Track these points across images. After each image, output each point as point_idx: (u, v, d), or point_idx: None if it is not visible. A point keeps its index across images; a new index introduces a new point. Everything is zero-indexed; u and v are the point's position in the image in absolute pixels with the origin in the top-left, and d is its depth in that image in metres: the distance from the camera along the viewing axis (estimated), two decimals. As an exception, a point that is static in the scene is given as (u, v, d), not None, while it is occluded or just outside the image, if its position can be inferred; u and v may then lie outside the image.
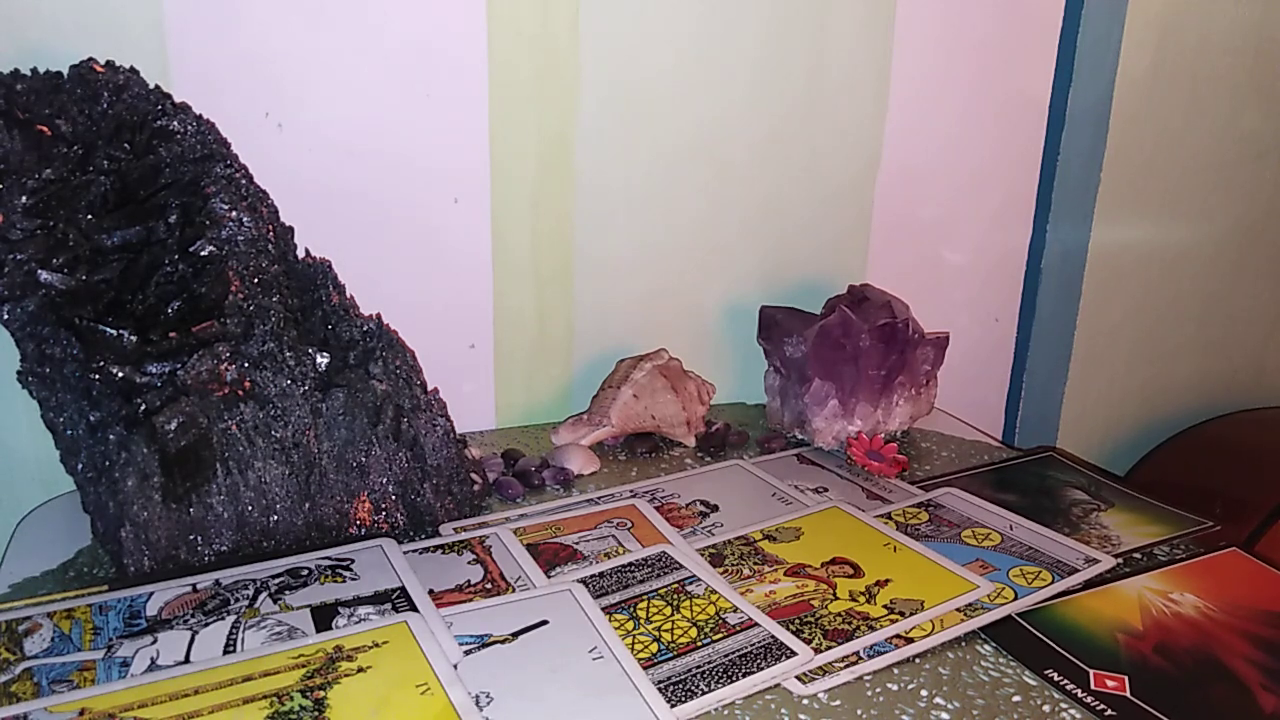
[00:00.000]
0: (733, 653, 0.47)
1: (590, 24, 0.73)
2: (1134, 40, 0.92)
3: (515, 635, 0.48)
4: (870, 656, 0.49)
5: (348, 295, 0.63)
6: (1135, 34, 0.92)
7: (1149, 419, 1.10)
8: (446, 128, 0.72)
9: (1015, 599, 0.54)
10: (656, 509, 0.63)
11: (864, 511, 0.63)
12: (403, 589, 0.52)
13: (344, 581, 0.53)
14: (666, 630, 0.49)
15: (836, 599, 0.53)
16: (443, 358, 0.72)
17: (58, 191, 0.56)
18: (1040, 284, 0.97)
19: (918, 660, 0.49)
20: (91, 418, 0.54)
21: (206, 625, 0.48)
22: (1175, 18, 0.94)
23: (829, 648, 0.49)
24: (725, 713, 0.45)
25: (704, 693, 0.45)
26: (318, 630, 0.48)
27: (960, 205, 0.92)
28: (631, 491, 0.67)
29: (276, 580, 0.53)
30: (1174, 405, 1.10)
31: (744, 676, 0.46)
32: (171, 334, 0.54)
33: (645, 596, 0.52)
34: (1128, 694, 0.47)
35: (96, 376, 0.53)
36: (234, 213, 0.57)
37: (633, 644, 0.48)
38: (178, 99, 0.62)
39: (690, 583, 0.54)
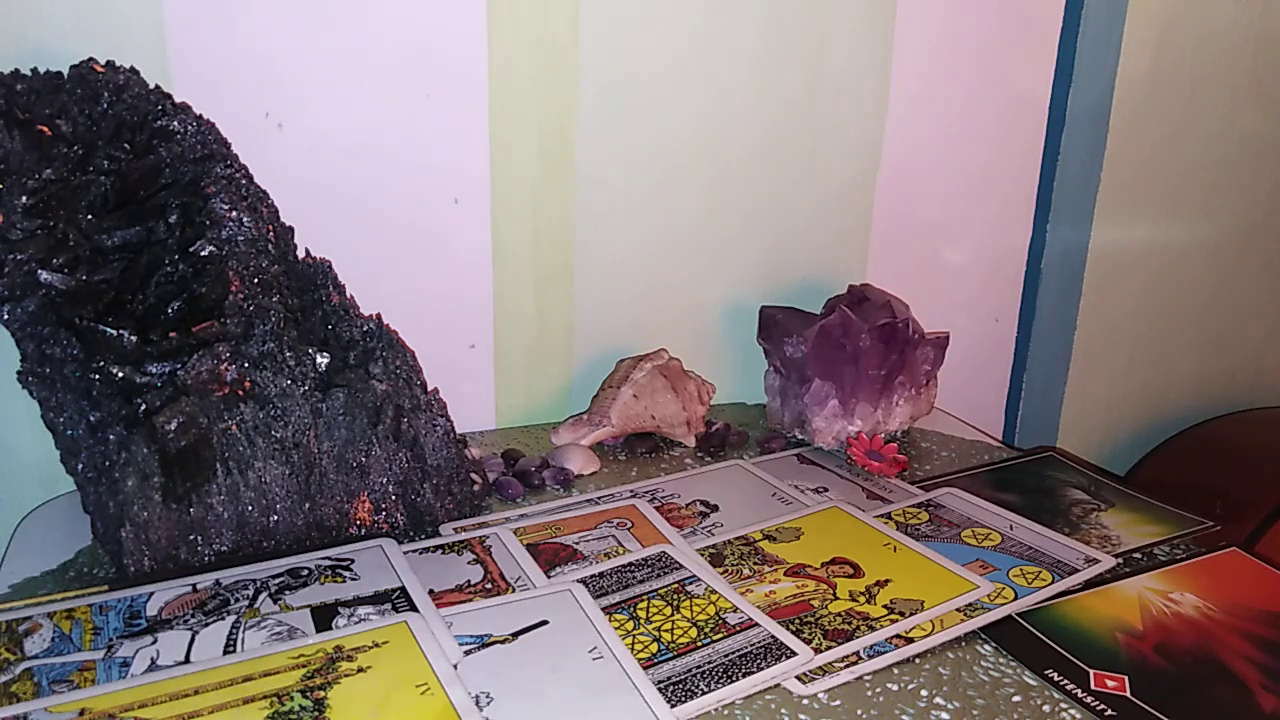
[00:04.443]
0: (733, 653, 0.47)
1: (590, 24, 0.73)
2: (1134, 40, 0.92)
3: (515, 635, 0.48)
4: (870, 656, 0.49)
5: (348, 295, 0.63)
6: (1135, 34, 0.92)
7: (1149, 419, 1.10)
8: (446, 128, 0.72)
9: (1015, 599, 0.54)
10: (656, 509, 0.63)
11: (864, 511, 0.63)
12: (403, 589, 0.52)
13: (344, 581, 0.53)
14: (666, 630, 0.49)
15: (836, 599, 0.53)
16: (443, 358, 0.72)
17: (58, 191, 0.56)
18: (1040, 284, 0.97)
19: (918, 660, 0.49)
20: (91, 418, 0.54)
21: (206, 625, 0.48)
22: (1175, 18, 0.94)
23: (829, 648, 0.49)
24: (725, 713, 0.45)
25: (704, 693, 0.45)
26: (318, 630, 0.48)
27: (960, 205, 0.92)
28: (631, 491, 0.67)
29: (276, 580, 0.53)
30: (1174, 405, 1.10)
31: (744, 676, 0.46)
32: (171, 334, 0.54)
33: (645, 596, 0.52)
34: (1128, 694, 0.47)
35: (96, 376, 0.53)
36: (234, 213, 0.57)
37: (633, 644, 0.48)
38: (178, 99, 0.62)
39: (690, 583, 0.54)
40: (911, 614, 0.52)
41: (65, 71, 0.59)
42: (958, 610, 0.53)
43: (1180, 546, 0.62)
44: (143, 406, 0.52)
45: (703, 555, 0.57)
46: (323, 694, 0.43)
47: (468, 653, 0.47)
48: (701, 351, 0.85)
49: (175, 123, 0.60)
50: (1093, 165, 0.95)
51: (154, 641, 0.47)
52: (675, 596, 0.52)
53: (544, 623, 0.49)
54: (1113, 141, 0.95)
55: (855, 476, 0.71)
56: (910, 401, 0.77)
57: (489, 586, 0.53)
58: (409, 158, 0.72)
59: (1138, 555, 0.61)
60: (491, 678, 0.45)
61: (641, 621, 0.50)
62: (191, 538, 0.54)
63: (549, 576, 0.54)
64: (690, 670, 0.46)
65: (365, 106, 0.69)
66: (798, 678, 0.47)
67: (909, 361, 0.76)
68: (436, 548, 0.57)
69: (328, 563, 0.55)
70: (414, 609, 0.50)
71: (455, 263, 0.75)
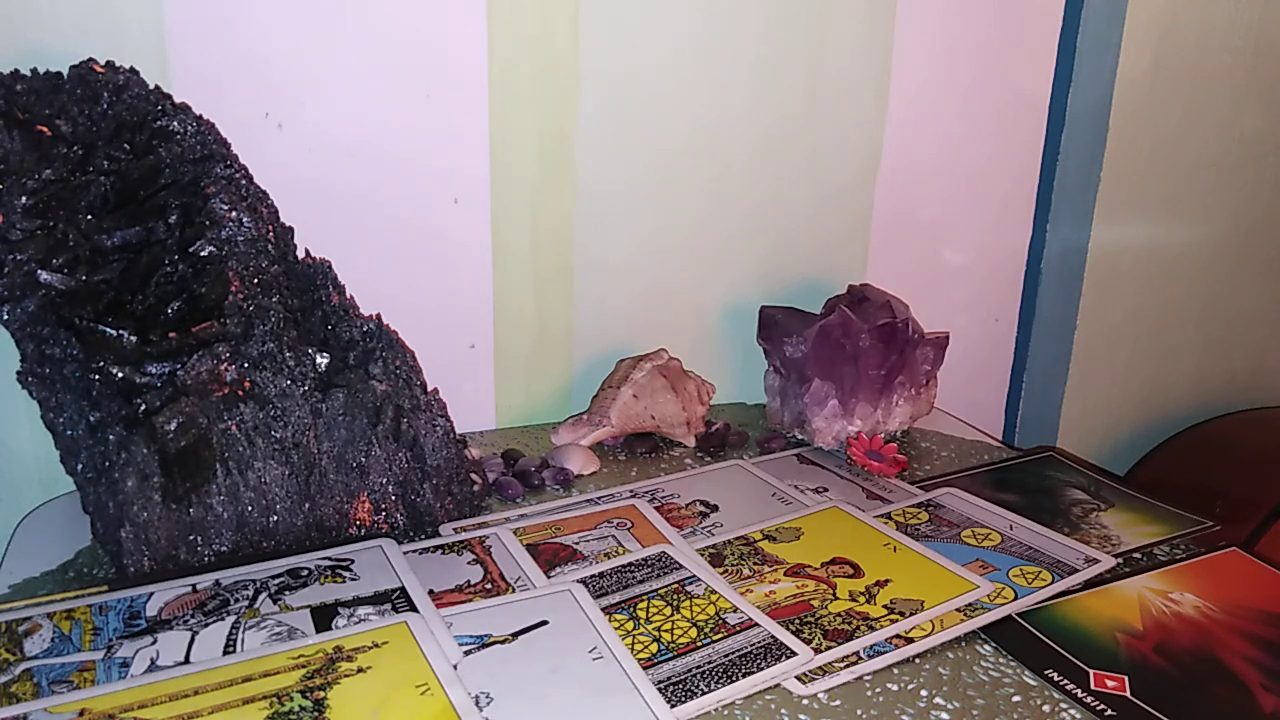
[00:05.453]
0: (733, 653, 0.47)
1: (590, 24, 0.73)
2: (1134, 40, 0.92)
3: (515, 635, 0.48)
4: (870, 656, 0.49)
5: (348, 295, 0.63)
6: (1135, 34, 0.92)
7: (1149, 419, 1.10)
8: (446, 128, 0.72)
9: (1015, 599, 0.54)
10: (656, 509, 0.63)
11: (864, 511, 0.63)
12: (403, 589, 0.52)
13: (344, 582, 0.53)
14: (666, 630, 0.49)
15: (836, 599, 0.53)
16: (443, 358, 0.72)
17: (58, 192, 0.56)
18: (1040, 284, 0.97)
19: (918, 660, 0.49)
20: (91, 418, 0.54)
21: (206, 625, 0.48)
22: (1175, 18, 0.94)
23: (829, 648, 0.49)
24: (725, 713, 0.45)
25: (704, 693, 0.45)
26: (318, 630, 0.48)
27: (960, 205, 0.92)
28: (631, 491, 0.67)
29: (276, 580, 0.53)
30: (1174, 405, 1.10)
31: (744, 676, 0.46)
32: (171, 334, 0.54)
33: (645, 596, 0.52)
34: (1128, 694, 0.47)
35: (96, 376, 0.53)
36: (234, 213, 0.57)
37: (633, 644, 0.48)
38: (178, 99, 0.62)
39: (690, 583, 0.54)
40: (911, 614, 0.52)
41: (65, 72, 0.59)
42: (958, 610, 0.53)
43: (1180, 546, 0.62)
44: (143, 407, 0.52)
45: (703, 555, 0.57)
46: (323, 694, 0.43)
47: (468, 653, 0.47)
48: (701, 351, 0.85)
49: (175, 123, 0.60)
50: (1093, 165, 0.95)
51: (154, 642, 0.47)
52: (675, 596, 0.52)
53: (544, 623, 0.49)
54: (1113, 141, 0.95)
55: (855, 476, 0.71)
56: (910, 401, 0.77)
57: (489, 586, 0.53)
58: (409, 158, 0.72)
59: (1138, 555, 0.61)
60: (491, 678, 0.45)
61: (641, 621, 0.50)
62: (191, 538, 0.54)
63: (549, 576, 0.54)
64: (690, 670, 0.46)
65: (365, 106, 0.69)
66: (798, 678, 0.47)
67: (909, 361, 0.76)
68: (436, 548, 0.57)
69: (327, 563, 0.55)
70: (414, 609, 0.50)
71: (455, 263, 0.75)
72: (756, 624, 0.50)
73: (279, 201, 0.63)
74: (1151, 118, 0.96)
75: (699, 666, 0.46)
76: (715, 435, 0.76)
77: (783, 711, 0.45)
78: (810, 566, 0.56)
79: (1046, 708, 0.46)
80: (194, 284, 0.56)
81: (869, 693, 0.47)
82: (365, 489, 0.58)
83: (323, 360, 0.57)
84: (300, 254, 0.63)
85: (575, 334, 0.80)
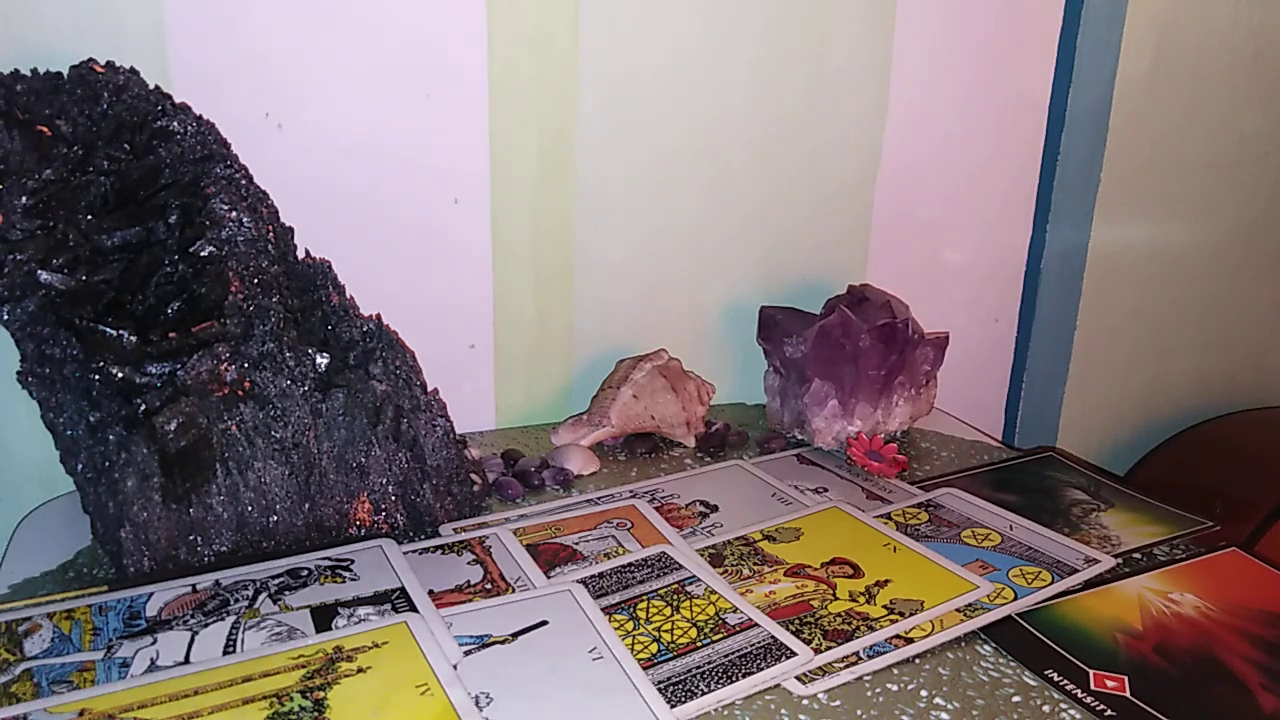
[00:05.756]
0: (733, 653, 0.47)
1: (590, 24, 0.73)
2: (1134, 40, 0.92)
3: (515, 635, 0.48)
4: (870, 657, 0.49)
5: (348, 295, 0.63)
6: (1135, 34, 0.92)
7: (1149, 419, 1.10)
8: (446, 128, 0.72)
9: (1015, 599, 0.54)
10: (656, 509, 0.63)
11: (864, 512, 0.63)
12: (402, 589, 0.52)
13: (344, 582, 0.53)
14: (666, 630, 0.49)
15: (836, 599, 0.53)
16: (443, 358, 0.72)
17: (58, 192, 0.56)
18: (1040, 284, 0.97)
19: (918, 660, 0.49)
20: (91, 418, 0.54)
21: (206, 626, 0.48)
22: (1175, 18, 0.94)
23: (829, 648, 0.49)
24: (725, 713, 0.45)
25: (704, 693, 0.45)
26: (318, 631, 0.48)
27: (960, 205, 0.92)
28: (631, 492, 0.67)
29: (276, 581, 0.53)
30: (1174, 405, 1.10)
31: (744, 677, 0.46)
32: (171, 334, 0.54)
33: (645, 597, 0.52)
34: (1127, 694, 0.47)
35: (96, 377, 0.53)
36: (234, 213, 0.57)
37: (633, 644, 0.48)
38: (178, 99, 0.62)
39: (690, 583, 0.54)
40: (911, 614, 0.52)
41: (65, 72, 0.59)
42: (957, 610, 0.53)
43: (1180, 546, 0.62)
44: (143, 407, 0.52)
45: (703, 555, 0.57)
46: (322, 694, 0.43)
47: (467, 653, 0.47)
48: (701, 351, 0.85)
49: (175, 123, 0.60)
50: (1093, 165, 0.95)
51: (154, 642, 0.47)
52: (675, 597, 0.52)
53: (544, 623, 0.49)
54: (1113, 141, 0.95)
55: (855, 476, 0.71)
56: (910, 401, 0.77)
57: (489, 587, 0.53)
58: (409, 158, 0.72)
59: (1137, 555, 0.61)
60: (491, 678, 0.45)
61: (641, 622, 0.50)
62: (191, 538, 0.54)
63: (549, 577, 0.54)
64: (690, 670, 0.46)
65: (365, 106, 0.69)
66: (798, 678, 0.47)
67: (909, 361, 0.76)
68: (436, 548, 0.57)
69: (327, 563, 0.55)
70: (414, 609, 0.50)
71: (455, 263, 0.75)
72: (756, 624, 0.50)
73: (279, 201, 0.63)
74: (1151, 118, 0.96)
75: (699, 667, 0.46)
76: (715, 435, 0.76)
77: (783, 711, 0.45)
78: (810, 567, 0.56)
79: (1046, 708, 0.46)
80: (194, 284, 0.56)
81: (869, 693, 0.47)
82: (365, 489, 0.58)
83: (323, 360, 0.57)
84: (300, 254, 0.63)
85: (575, 334, 0.80)
